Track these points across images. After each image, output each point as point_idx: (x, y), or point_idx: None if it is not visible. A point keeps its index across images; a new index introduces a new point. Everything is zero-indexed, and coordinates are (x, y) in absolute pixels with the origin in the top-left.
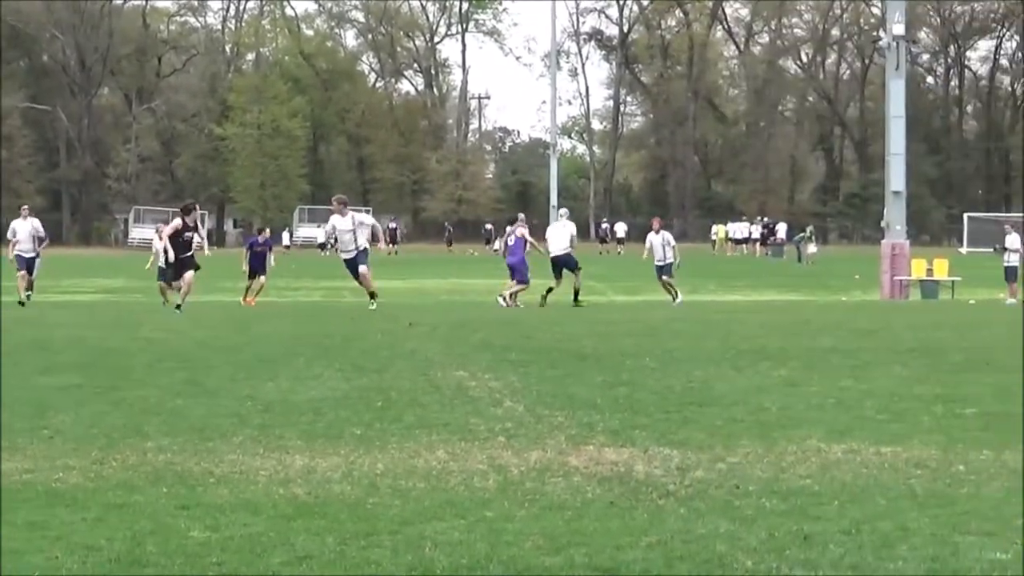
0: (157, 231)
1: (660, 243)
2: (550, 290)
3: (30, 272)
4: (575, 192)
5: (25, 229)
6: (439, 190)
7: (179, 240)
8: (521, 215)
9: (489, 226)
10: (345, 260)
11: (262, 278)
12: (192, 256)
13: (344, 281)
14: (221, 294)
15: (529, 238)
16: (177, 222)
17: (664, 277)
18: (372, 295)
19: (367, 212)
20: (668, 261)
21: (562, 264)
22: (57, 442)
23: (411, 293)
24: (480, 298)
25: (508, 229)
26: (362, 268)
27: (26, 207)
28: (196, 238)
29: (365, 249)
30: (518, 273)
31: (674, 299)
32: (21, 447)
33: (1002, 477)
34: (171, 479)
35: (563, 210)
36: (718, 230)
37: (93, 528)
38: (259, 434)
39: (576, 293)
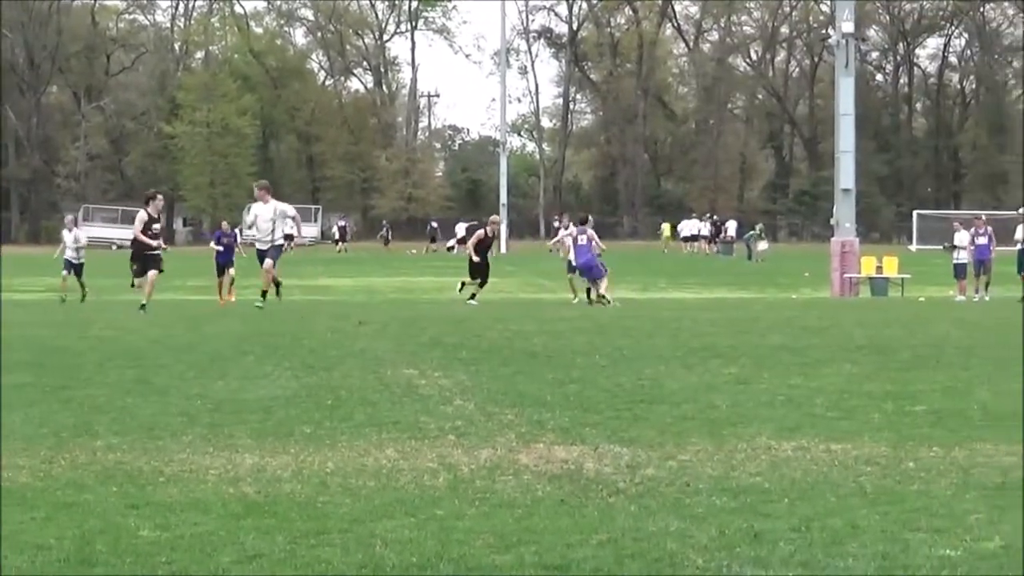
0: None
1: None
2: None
3: None
4: (525, 190)
5: None
6: (389, 188)
7: (147, 233)
8: (591, 217)
9: (434, 224)
10: (258, 250)
11: (231, 271)
12: (159, 255)
13: (294, 280)
14: (173, 292)
15: (596, 238)
16: (143, 214)
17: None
18: (264, 293)
19: (318, 209)
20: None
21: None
22: (6, 441)
23: (360, 291)
24: (429, 296)
25: (577, 228)
26: (268, 263)
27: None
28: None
29: (280, 245)
30: (595, 271)
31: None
32: None
33: (951, 474)
34: (121, 478)
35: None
36: (664, 228)
37: (42, 527)
38: (209, 433)
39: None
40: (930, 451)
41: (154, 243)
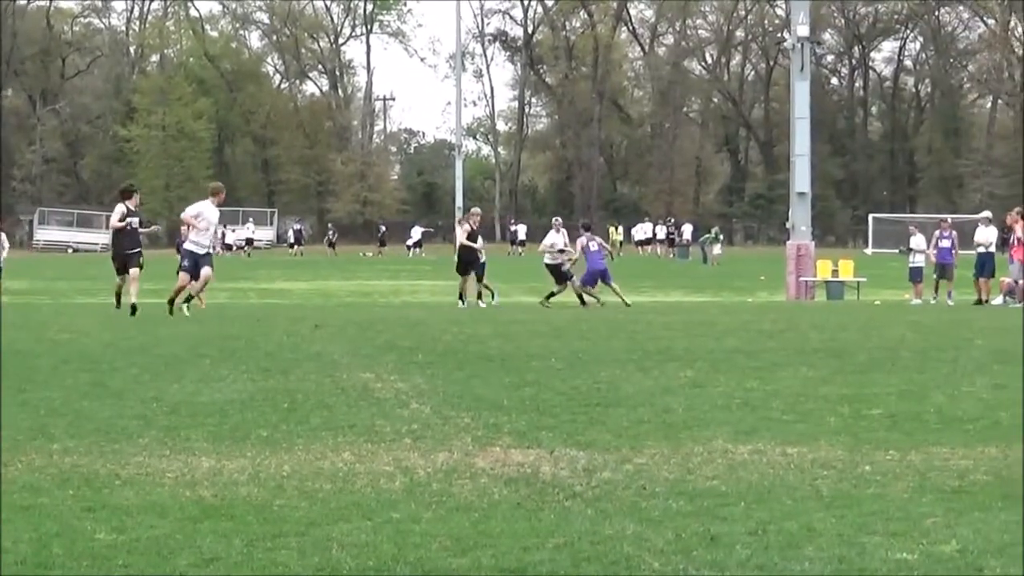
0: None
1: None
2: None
3: None
4: (480, 193)
5: None
6: (344, 191)
7: (125, 228)
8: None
9: (384, 227)
10: (201, 255)
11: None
12: (139, 251)
13: (249, 283)
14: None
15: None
16: (121, 207)
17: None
18: (191, 298)
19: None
20: (482, 259)
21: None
22: None
23: (316, 294)
24: (385, 299)
25: (587, 235)
26: (208, 270)
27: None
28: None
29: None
30: (607, 276)
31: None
32: None
33: (908, 477)
34: (77, 481)
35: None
36: (612, 231)
37: None
38: (165, 436)
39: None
40: (886, 455)
41: (134, 230)
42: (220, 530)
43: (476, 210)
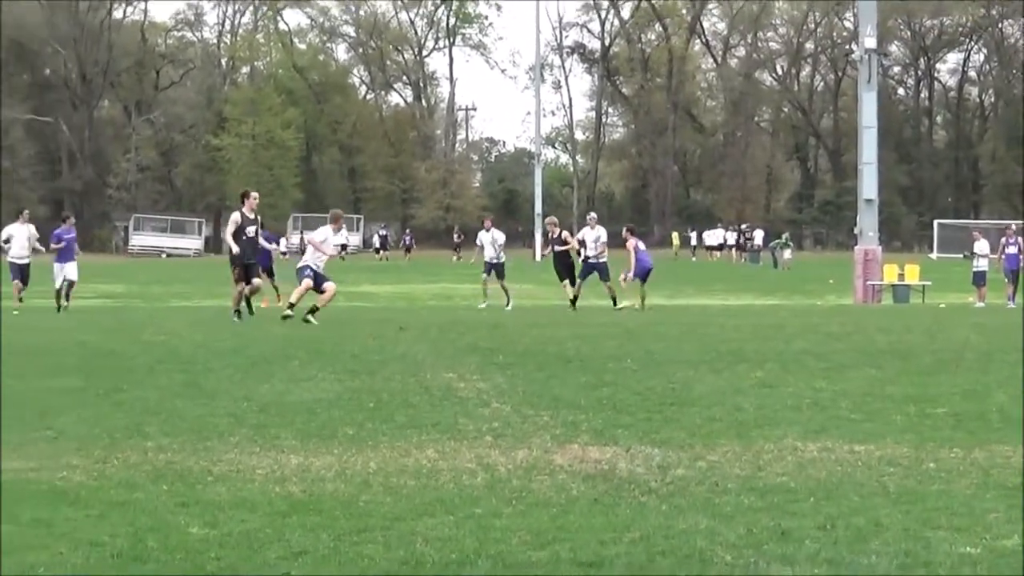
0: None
1: (489, 241)
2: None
3: (24, 281)
4: (559, 200)
5: (23, 234)
6: (428, 198)
7: (243, 236)
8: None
9: (460, 235)
10: (321, 272)
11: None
12: (256, 264)
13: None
14: (219, 299)
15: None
16: (235, 215)
17: (492, 276)
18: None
19: (359, 219)
20: (500, 260)
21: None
22: (61, 442)
23: (401, 298)
24: (467, 302)
25: (636, 239)
26: (332, 284)
27: (26, 211)
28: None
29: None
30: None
31: (507, 303)
32: (26, 447)
33: (971, 474)
34: (171, 477)
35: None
36: (673, 237)
37: (96, 525)
38: (256, 434)
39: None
40: (950, 452)
41: (252, 238)
42: (308, 524)
43: (552, 218)
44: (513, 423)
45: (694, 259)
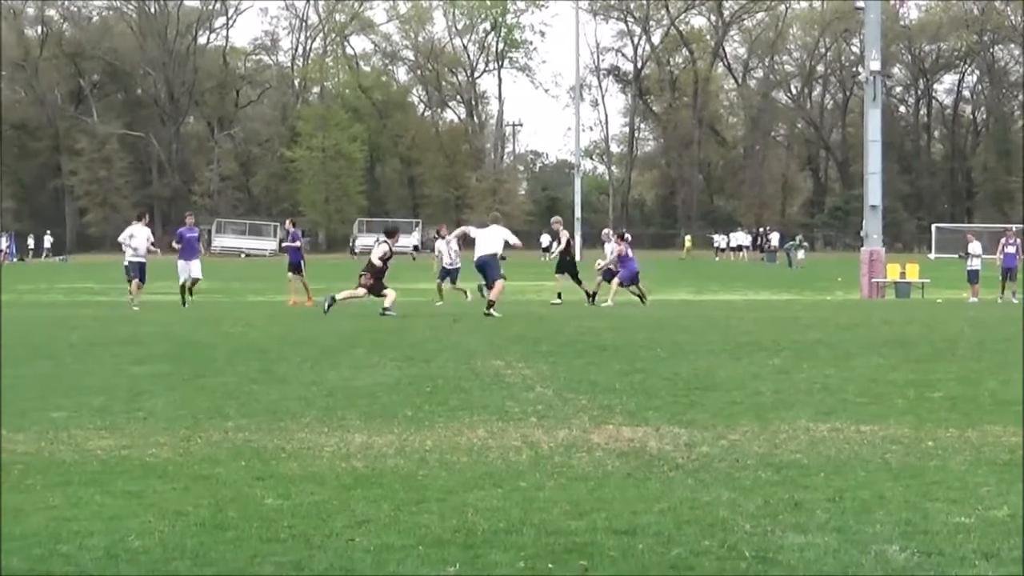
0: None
1: (446, 249)
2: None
3: (142, 279)
4: (596, 206)
5: (143, 235)
6: (479, 204)
7: (384, 267)
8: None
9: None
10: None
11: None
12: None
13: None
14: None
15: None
16: (384, 248)
17: (447, 281)
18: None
19: (417, 223)
20: (456, 266)
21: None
22: (150, 422)
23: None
24: (513, 297)
25: (626, 244)
26: (502, 282)
27: (146, 214)
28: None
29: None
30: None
31: (466, 297)
32: (119, 427)
33: (965, 452)
34: (248, 454)
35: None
36: (686, 240)
37: (181, 496)
38: (324, 415)
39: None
40: (947, 432)
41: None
42: (371, 496)
43: (556, 218)
44: (555, 405)
45: (717, 259)
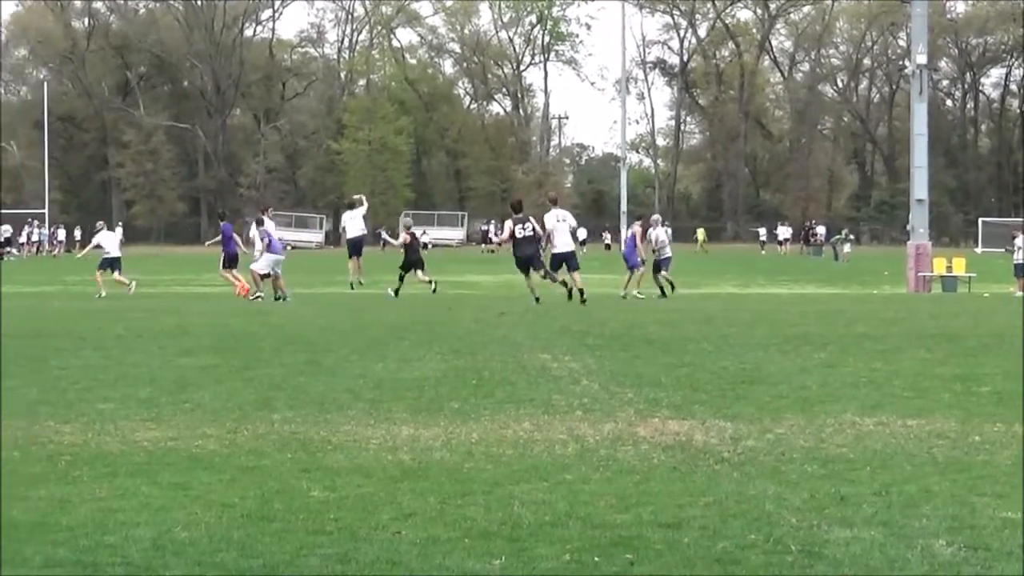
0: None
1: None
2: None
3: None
4: (642, 199)
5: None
6: (525, 198)
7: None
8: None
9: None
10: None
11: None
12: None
13: (443, 275)
14: (337, 287)
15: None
16: (508, 224)
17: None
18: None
19: (464, 215)
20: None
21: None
22: (197, 414)
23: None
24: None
25: (662, 228)
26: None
27: (270, 209)
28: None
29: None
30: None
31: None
32: (166, 418)
33: (1013, 447)
34: (295, 446)
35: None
36: (699, 233)
37: (228, 488)
38: (370, 408)
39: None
40: (994, 427)
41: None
42: (417, 489)
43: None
44: (601, 399)
45: (763, 252)
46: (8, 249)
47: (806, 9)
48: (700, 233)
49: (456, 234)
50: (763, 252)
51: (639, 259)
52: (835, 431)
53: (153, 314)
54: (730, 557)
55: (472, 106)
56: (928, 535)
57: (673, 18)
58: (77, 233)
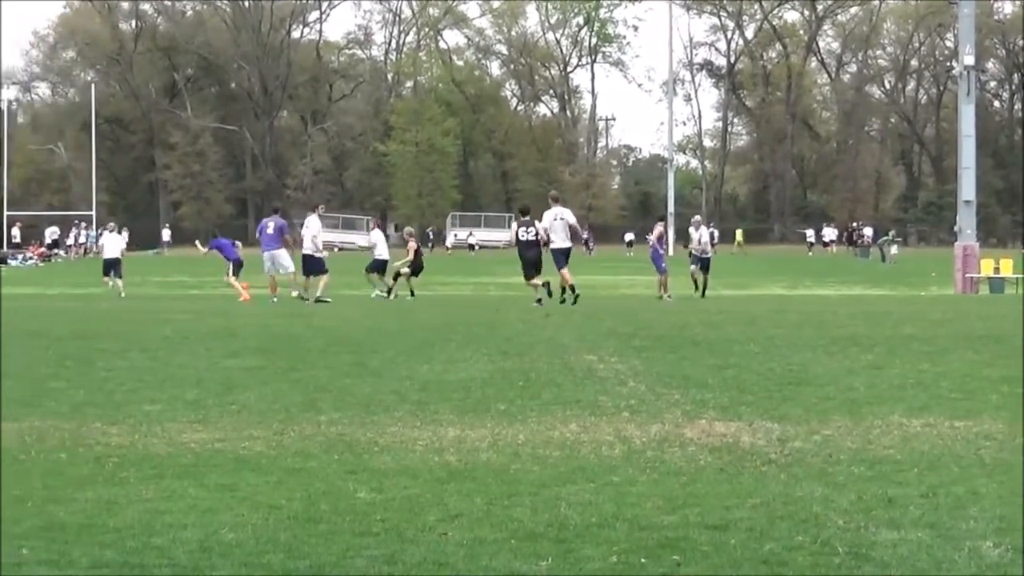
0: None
1: (381, 241)
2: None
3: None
4: (689, 201)
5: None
6: (572, 199)
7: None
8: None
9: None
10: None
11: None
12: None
13: (490, 277)
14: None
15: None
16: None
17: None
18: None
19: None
20: (385, 258)
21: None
22: (244, 415)
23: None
24: (606, 292)
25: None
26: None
27: (321, 206)
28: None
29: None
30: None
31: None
32: (213, 420)
33: None
34: (341, 448)
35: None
36: (737, 233)
37: (274, 489)
38: (417, 409)
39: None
40: None
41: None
42: (464, 490)
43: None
44: (648, 400)
45: (810, 254)
46: (56, 251)
47: (853, 10)
48: (739, 234)
49: (503, 235)
50: (810, 253)
51: (663, 263)
52: (882, 432)
53: (199, 316)
54: (777, 559)
55: (519, 108)
56: (975, 537)
57: (720, 19)
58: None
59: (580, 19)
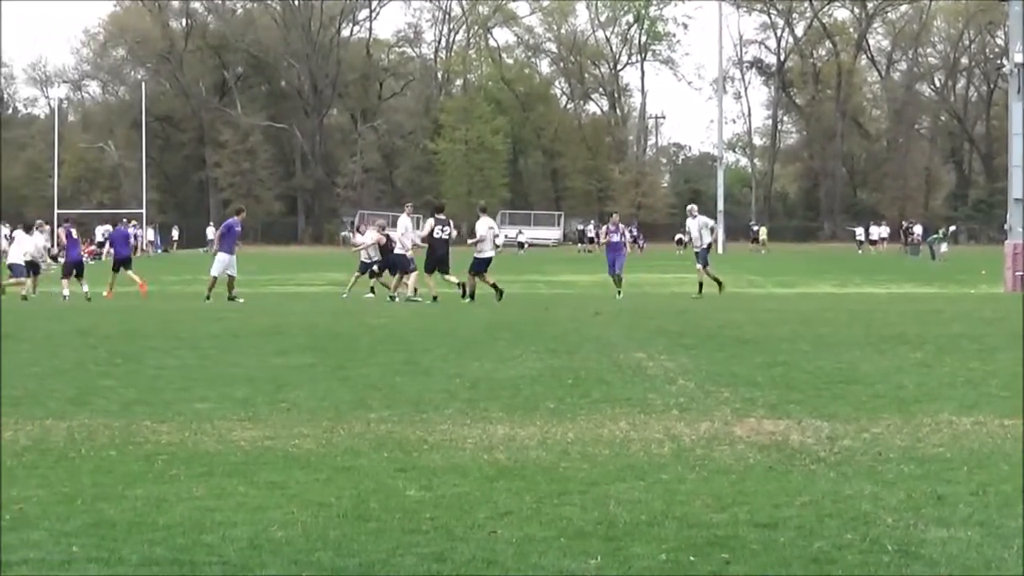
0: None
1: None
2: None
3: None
4: (738, 199)
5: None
6: (621, 197)
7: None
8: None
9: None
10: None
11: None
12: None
13: (539, 275)
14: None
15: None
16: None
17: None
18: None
19: (560, 215)
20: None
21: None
22: (293, 413)
23: (597, 286)
24: (654, 290)
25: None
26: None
27: (409, 204)
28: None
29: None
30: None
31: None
32: (263, 418)
33: None
34: (391, 446)
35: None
36: (761, 231)
37: (324, 487)
38: (467, 407)
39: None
40: None
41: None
42: (513, 488)
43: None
44: (697, 398)
45: (860, 252)
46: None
47: (903, 8)
48: (762, 232)
49: (553, 234)
50: (860, 252)
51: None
52: (932, 431)
53: (249, 314)
54: (826, 557)
55: (569, 106)
56: None
57: (770, 17)
58: (174, 233)
59: (630, 17)
